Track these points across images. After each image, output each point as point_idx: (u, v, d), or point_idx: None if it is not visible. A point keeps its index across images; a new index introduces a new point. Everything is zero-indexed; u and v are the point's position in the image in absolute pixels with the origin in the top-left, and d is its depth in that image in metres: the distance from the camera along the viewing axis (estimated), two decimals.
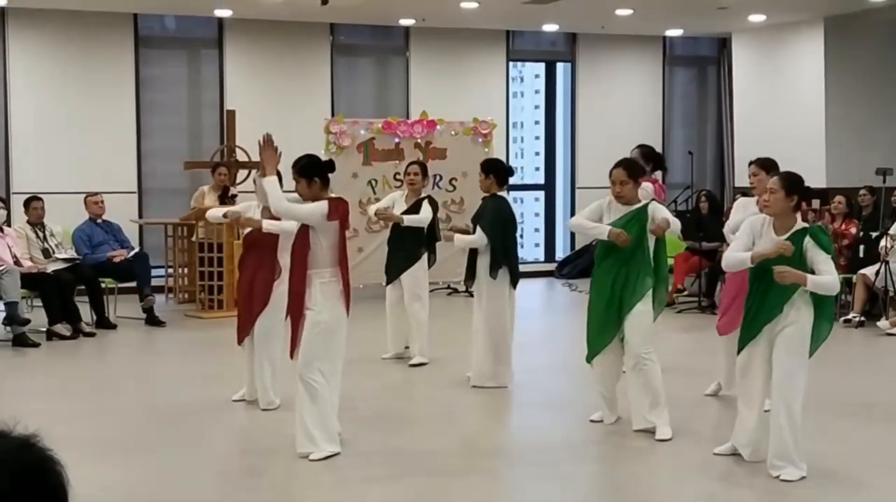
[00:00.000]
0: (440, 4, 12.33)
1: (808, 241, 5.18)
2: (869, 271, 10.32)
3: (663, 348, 8.03)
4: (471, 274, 7.68)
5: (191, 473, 5.61)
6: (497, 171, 7.56)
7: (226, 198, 10.94)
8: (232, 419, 6.77)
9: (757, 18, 13.45)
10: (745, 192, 8.81)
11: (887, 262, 10.19)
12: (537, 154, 15.89)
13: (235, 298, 8.02)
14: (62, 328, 9.52)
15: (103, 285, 10.25)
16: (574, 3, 11.80)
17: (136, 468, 5.67)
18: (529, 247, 15.52)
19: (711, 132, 15.96)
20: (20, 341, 9.15)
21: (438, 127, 12.39)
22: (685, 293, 12.01)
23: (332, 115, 13.07)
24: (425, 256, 8.44)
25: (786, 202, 5.28)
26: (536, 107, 16.04)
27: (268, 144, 5.76)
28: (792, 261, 5.12)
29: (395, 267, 8.49)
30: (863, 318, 10.23)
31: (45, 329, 9.54)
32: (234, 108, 12.53)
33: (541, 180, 15.66)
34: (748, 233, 5.43)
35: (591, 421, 6.48)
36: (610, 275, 6.21)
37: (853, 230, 10.90)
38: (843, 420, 6.61)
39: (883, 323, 10.00)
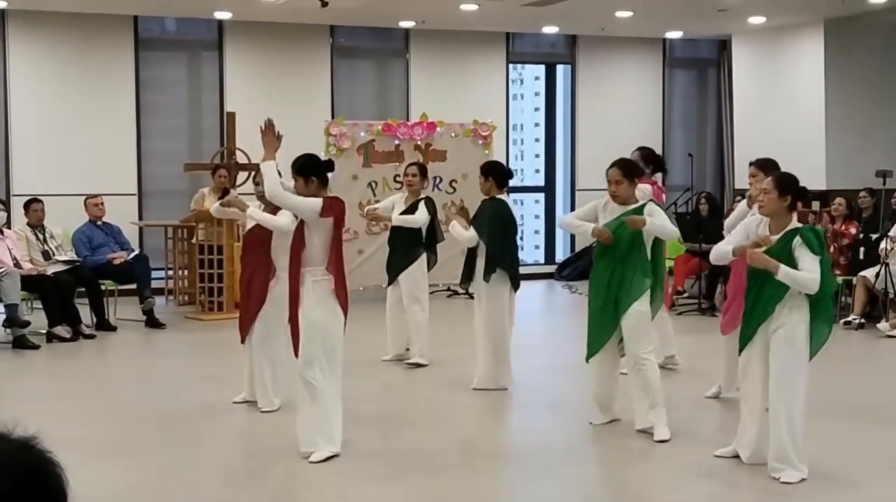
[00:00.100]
0: (440, 6, 12.34)
1: (796, 240, 5.19)
2: (869, 273, 10.32)
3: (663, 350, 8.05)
4: (467, 275, 7.70)
5: (191, 475, 5.61)
6: (496, 174, 7.57)
7: None
8: (232, 420, 6.77)
9: (757, 20, 13.45)
10: (746, 194, 8.81)
11: (887, 264, 10.19)
12: (537, 156, 15.90)
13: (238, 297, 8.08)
14: (62, 330, 9.52)
15: (103, 287, 10.25)
16: (574, 5, 11.80)
17: (136, 470, 5.67)
18: (529, 250, 15.52)
19: (711, 134, 15.96)
20: (20, 343, 9.15)
21: (438, 129, 12.40)
22: (685, 295, 12.02)
23: (332, 117, 13.08)
24: (423, 257, 8.43)
25: (779, 202, 5.28)
26: (536, 109, 16.05)
27: (269, 129, 5.79)
28: (779, 259, 5.14)
29: (393, 267, 8.50)
30: (863, 320, 10.24)
31: (45, 331, 9.54)
32: (234, 110, 12.51)
33: (541, 182, 15.66)
34: (742, 232, 5.49)
35: (591, 423, 6.48)
36: (606, 275, 6.23)
37: (853, 230, 10.90)
38: (843, 422, 6.61)
39: (883, 325, 10.01)
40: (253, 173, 10.09)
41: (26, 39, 12.47)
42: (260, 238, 6.78)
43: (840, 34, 13.26)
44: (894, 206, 11.36)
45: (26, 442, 1.48)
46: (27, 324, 9.29)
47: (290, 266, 5.75)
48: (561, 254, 15.41)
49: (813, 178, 12.14)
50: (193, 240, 11.39)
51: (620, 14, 12.88)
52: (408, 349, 8.54)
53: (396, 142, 12.15)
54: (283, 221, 6.30)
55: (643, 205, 6.22)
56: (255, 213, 6.67)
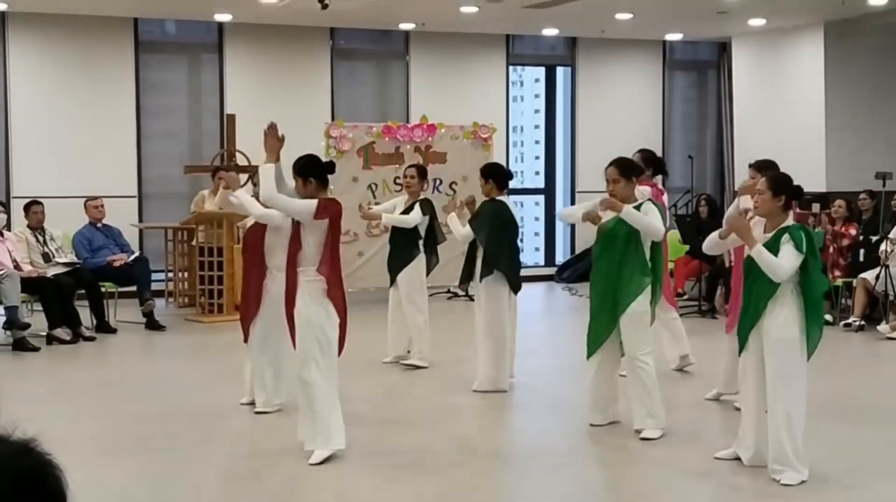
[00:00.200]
0: (440, 8, 12.34)
1: (784, 236, 5.22)
2: (869, 275, 10.32)
3: (663, 351, 8.05)
4: (466, 276, 7.71)
5: (191, 476, 5.61)
6: (497, 176, 7.58)
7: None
8: (232, 422, 6.77)
9: (757, 22, 13.45)
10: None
11: (887, 266, 10.19)
12: (537, 158, 15.90)
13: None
14: (62, 332, 9.52)
15: (103, 289, 10.25)
16: (574, 7, 11.80)
17: (136, 471, 5.67)
18: (529, 252, 15.51)
19: (711, 136, 15.96)
20: (20, 345, 9.15)
21: (438, 131, 12.40)
22: (685, 297, 12.01)
23: (333, 119, 13.08)
24: (421, 259, 8.42)
25: (773, 202, 5.30)
26: (536, 111, 16.05)
27: (272, 132, 5.80)
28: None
29: (392, 267, 8.51)
30: (863, 322, 10.24)
31: (45, 333, 9.54)
32: (235, 112, 12.51)
33: (541, 184, 15.66)
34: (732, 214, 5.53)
35: (591, 424, 6.48)
36: (604, 274, 6.24)
37: (853, 232, 10.91)
38: (843, 423, 6.61)
39: (883, 327, 10.01)
40: (252, 175, 10.11)
41: (27, 41, 12.47)
42: (255, 241, 6.81)
43: (840, 36, 13.25)
44: (894, 208, 11.35)
45: (26, 445, 1.47)
46: (27, 326, 9.30)
47: (287, 266, 5.78)
48: (561, 256, 15.41)
49: (813, 180, 12.15)
50: (193, 243, 11.39)
51: (620, 16, 12.88)
52: (409, 351, 8.54)
53: (396, 144, 12.16)
54: (269, 211, 6.18)
55: (640, 205, 6.22)
56: (244, 197, 6.64)
